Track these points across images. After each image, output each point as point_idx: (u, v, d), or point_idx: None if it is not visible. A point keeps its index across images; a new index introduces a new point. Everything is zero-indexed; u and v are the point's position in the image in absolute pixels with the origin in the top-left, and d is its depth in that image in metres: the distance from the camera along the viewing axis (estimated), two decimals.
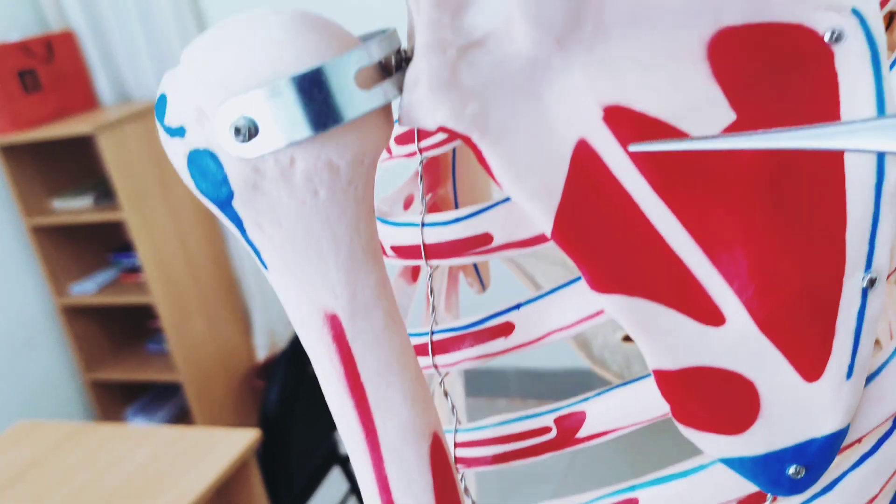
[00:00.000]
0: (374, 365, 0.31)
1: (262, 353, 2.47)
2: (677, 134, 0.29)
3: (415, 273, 0.51)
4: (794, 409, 0.31)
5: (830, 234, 0.30)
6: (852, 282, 0.30)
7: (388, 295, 0.31)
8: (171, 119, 0.28)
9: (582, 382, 2.06)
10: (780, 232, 0.29)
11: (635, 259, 0.30)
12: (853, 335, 0.30)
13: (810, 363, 0.30)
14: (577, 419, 0.35)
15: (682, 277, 0.30)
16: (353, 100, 0.27)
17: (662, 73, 0.29)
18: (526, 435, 0.36)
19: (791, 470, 0.31)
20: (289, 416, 1.56)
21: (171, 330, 2.21)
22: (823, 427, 0.31)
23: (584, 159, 0.29)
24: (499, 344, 0.36)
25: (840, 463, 0.33)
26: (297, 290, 0.30)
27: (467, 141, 0.29)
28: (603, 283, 0.30)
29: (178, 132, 0.28)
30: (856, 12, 0.28)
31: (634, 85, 0.29)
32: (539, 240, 0.34)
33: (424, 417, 0.33)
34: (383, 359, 0.31)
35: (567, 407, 0.35)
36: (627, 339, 0.65)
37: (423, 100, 0.28)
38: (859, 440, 0.32)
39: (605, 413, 0.34)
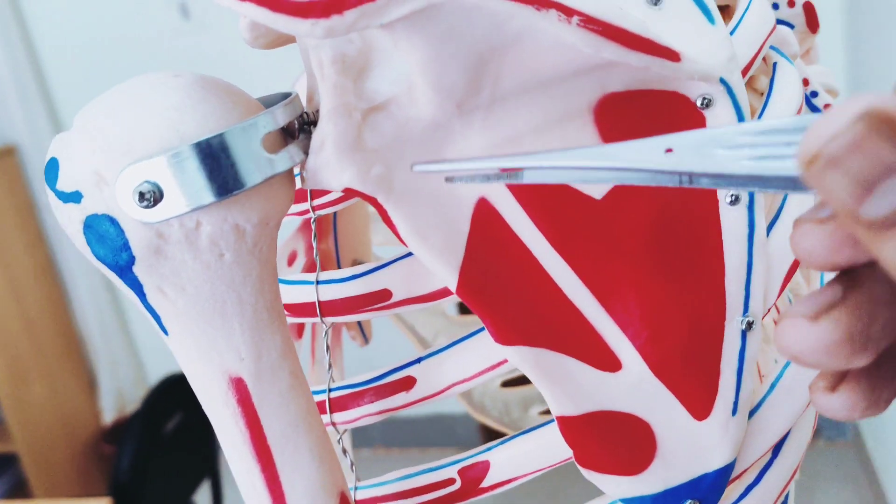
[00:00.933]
0: (281, 427, 0.31)
1: (109, 416, 2.34)
2: (571, 193, 0.31)
3: (300, 330, 0.51)
4: (687, 446, 0.33)
5: (711, 283, 0.32)
6: (732, 325, 0.32)
7: (293, 355, 0.31)
8: (65, 184, 0.27)
9: (445, 429, 2.07)
10: (666, 281, 0.31)
11: (537, 311, 0.31)
12: (736, 374, 0.32)
13: (700, 403, 0.32)
14: (482, 469, 0.35)
15: (580, 327, 0.32)
16: (259, 165, 0.27)
17: (555, 134, 0.30)
18: (429, 488, 0.36)
19: None
20: (143, 482, 1.48)
21: (6, 396, 2.05)
22: (714, 462, 0.33)
23: (485, 217, 0.30)
24: (400, 398, 0.36)
25: (729, 495, 0.35)
26: (201, 355, 0.29)
27: (373, 202, 0.29)
28: (506, 335, 0.31)
29: (73, 197, 0.27)
30: (723, 81, 0.31)
31: (530, 145, 0.30)
32: (439, 294, 0.34)
33: (331, 477, 0.32)
34: (290, 420, 0.31)
35: (470, 458, 0.35)
36: (506, 385, 0.66)
37: (330, 162, 0.28)
38: (744, 472, 0.35)
39: (509, 461, 0.35)
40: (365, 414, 0.37)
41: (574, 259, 0.31)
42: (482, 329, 0.34)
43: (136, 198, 0.26)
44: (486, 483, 0.35)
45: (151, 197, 0.26)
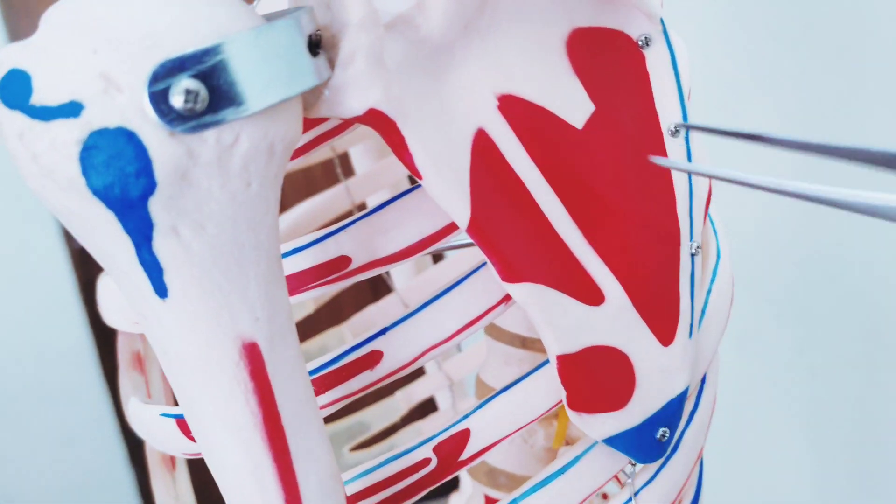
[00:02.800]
0: (294, 403, 0.26)
1: None
2: (559, 122, 0.31)
3: None
4: (658, 374, 0.34)
5: (667, 211, 0.34)
6: (685, 250, 0.34)
7: (293, 317, 0.27)
8: (49, 96, 0.21)
9: None
10: (635, 211, 0.33)
11: (533, 247, 0.31)
12: (690, 298, 0.34)
13: (665, 328, 0.34)
14: (460, 439, 0.33)
15: (568, 262, 0.31)
16: (307, 68, 0.24)
17: (539, 65, 0.30)
18: (401, 475, 0.33)
19: (659, 433, 0.34)
20: None
21: None
22: (678, 386, 0.34)
23: (483, 149, 0.29)
24: (363, 378, 0.32)
25: (682, 421, 0.36)
26: (209, 317, 0.24)
27: (390, 128, 0.27)
28: (513, 272, 0.30)
29: (66, 111, 0.21)
30: (662, 21, 0.33)
31: (521, 75, 0.30)
32: (404, 254, 0.32)
33: (335, 464, 0.28)
34: (301, 394, 0.26)
35: (447, 430, 0.33)
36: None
37: (358, 78, 0.25)
38: (688, 398, 0.37)
39: (491, 423, 0.33)
40: (321, 404, 0.32)
41: (561, 188, 0.31)
42: (454, 286, 0.32)
43: (178, 100, 0.21)
44: (465, 454, 0.33)
45: (196, 99, 0.21)
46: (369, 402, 0.68)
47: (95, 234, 0.23)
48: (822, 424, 1.17)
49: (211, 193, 0.23)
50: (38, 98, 0.21)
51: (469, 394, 0.72)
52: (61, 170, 0.21)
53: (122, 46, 0.21)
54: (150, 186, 0.22)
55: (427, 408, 0.72)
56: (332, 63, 0.25)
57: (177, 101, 0.21)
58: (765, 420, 1.19)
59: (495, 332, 0.50)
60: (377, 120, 0.26)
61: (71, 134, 0.21)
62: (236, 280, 0.24)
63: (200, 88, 0.21)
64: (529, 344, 0.49)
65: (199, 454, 0.35)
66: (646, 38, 0.33)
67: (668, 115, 0.34)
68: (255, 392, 0.25)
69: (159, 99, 0.21)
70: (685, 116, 0.34)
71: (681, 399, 0.35)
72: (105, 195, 0.22)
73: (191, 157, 0.22)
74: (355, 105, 0.26)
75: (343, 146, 0.65)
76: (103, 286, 0.39)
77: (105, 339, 1.70)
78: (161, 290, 0.24)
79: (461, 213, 0.29)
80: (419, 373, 0.71)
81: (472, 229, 0.29)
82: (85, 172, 0.21)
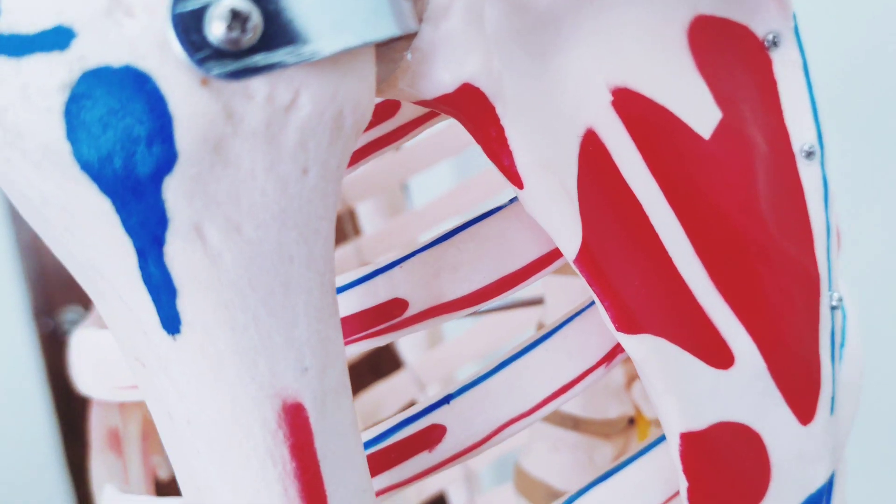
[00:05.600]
0: (349, 496, 0.18)
1: None
2: (683, 128, 0.24)
3: None
4: (795, 461, 0.26)
5: (804, 250, 0.27)
6: (824, 302, 0.27)
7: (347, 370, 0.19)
8: (25, 19, 0.14)
9: None
10: (770, 249, 0.26)
11: (652, 288, 0.23)
12: (831, 364, 0.27)
13: (805, 402, 0.26)
14: None
15: (691, 310, 0.24)
16: (394, 9, 0.17)
17: (659, 55, 0.24)
18: None
19: None
20: None
21: None
22: (818, 477, 0.27)
23: (593, 154, 0.22)
24: (420, 462, 0.24)
25: None
26: (239, 364, 0.16)
27: (487, 114, 0.20)
28: (631, 321, 0.23)
29: (49, 42, 0.14)
30: (794, 17, 0.27)
31: (639, 65, 0.23)
32: (477, 297, 0.24)
33: None
34: (358, 483, 0.19)
35: None
36: None
37: (454, 38, 0.18)
38: None
39: None
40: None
41: (684, 214, 0.24)
42: (539, 341, 0.25)
43: (218, 28, 0.14)
44: None
45: (245, 27, 0.14)
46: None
47: (79, 235, 0.15)
48: None
49: (254, 177, 0.15)
50: (8, 23, 0.14)
51: (486, 488, 0.64)
52: (35, 131, 0.14)
53: None
54: (169, 160, 0.14)
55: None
56: (418, 17, 0.18)
57: (216, 28, 0.14)
58: None
59: None
60: (470, 102, 0.19)
61: (53, 75, 0.14)
62: (280, 311, 0.17)
63: (252, 11, 0.14)
64: (583, 426, 0.41)
65: None
66: (774, 37, 0.27)
67: (800, 133, 0.27)
68: (296, 476, 0.17)
69: (190, 26, 0.14)
70: (820, 136, 0.27)
71: (819, 496, 0.27)
72: (99, 171, 0.14)
73: (230, 118, 0.15)
74: (446, 77, 0.19)
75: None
76: (79, 342, 0.31)
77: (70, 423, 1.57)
78: (171, 323, 0.16)
79: (570, 236, 0.21)
80: None
81: (582, 259, 0.22)
82: (71, 135, 0.14)
